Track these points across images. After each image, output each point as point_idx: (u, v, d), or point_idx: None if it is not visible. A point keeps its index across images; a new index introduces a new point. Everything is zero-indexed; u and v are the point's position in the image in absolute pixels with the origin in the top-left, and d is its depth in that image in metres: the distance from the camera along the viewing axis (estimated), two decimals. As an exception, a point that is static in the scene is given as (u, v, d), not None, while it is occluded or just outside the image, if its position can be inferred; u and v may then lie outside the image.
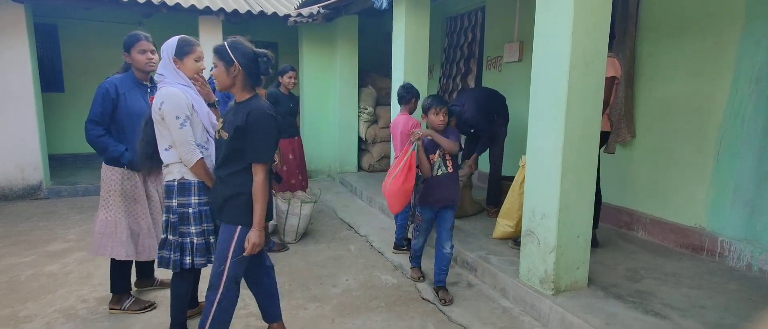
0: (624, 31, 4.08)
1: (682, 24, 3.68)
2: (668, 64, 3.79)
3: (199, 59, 2.51)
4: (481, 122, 4.39)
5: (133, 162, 2.72)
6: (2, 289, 3.22)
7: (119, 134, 2.79)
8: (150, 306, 2.94)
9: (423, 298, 3.15)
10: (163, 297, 3.09)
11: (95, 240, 2.78)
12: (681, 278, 3.14)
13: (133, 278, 3.18)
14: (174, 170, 2.38)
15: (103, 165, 2.79)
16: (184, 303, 2.57)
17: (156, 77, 2.45)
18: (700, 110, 3.56)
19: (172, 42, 2.45)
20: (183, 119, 2.32)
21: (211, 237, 2.48)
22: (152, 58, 2.81)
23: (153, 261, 3.09)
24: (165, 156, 2.38)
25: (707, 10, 3.50)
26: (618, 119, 3.50)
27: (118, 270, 2.90)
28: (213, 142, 2.53)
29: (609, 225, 4.11)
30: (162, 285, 3.26)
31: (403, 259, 3.83)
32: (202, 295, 3.06)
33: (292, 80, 4.41)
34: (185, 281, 2.52)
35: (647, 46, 3.96)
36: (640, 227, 3.98)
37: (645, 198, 4.02)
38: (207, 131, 2.48)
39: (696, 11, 3.58)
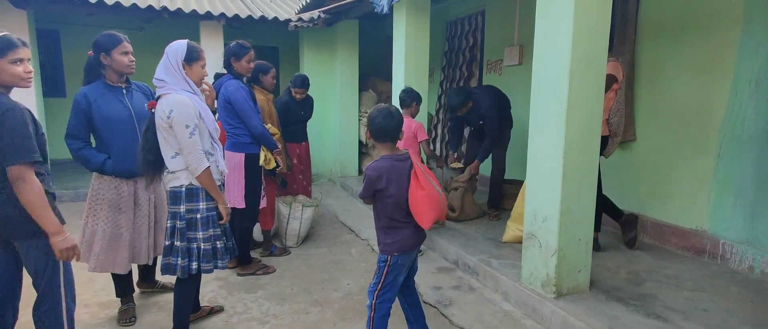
0: (623, 34, 4.09)
1: (681, 27, 3.69)
2: (668, 67, 3.80)
3: (204, 66, 2.50)
4: (494, 115, 4.36)
5: (119, 170, 2.67)
6: (4, 294, 3.21)
7: (100, 142, 2.71)
8: (131, 320, 2.85)
9: (424, 302, 3.14)
10: (164, 302, 3.10)
11: (95, 257, 2.72)
12: (683, 281, 3.13)
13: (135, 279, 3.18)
14: (182, 177, 2.37)
15: (94, 174, 2.73)
16: (188, 307, 2.58)
17: (155, 82, 2.38)
18: (701, 112, 3.57)
19: (180, 46, 2.36)
20: (192, 128, 2.30)
21: (217, 243, 2.48)
22: (134, 61, 2.71)
23: (154, 263, 3.07)
24: (172, 164, 2.36)
25: (706, 13, 3.51)
26: (618, 124, 3.51)
27: (119, 275, 2.89)
28: (218, 148, 2.54)
29: (610, 228, 4.11)
30: (163, 288, 3.26)
31: (405, 263, 3.82)
32: (203, 300, 3.08)
33: (299, 96, 4.53)
34: (189, 286, 2.53)
35: (647, 49, 3.97)
36: (642, 230, 3.97)
37: (646, 201, 4.02)
38: (212, 137, 2.48)
39: (695, 14, 3.59)
